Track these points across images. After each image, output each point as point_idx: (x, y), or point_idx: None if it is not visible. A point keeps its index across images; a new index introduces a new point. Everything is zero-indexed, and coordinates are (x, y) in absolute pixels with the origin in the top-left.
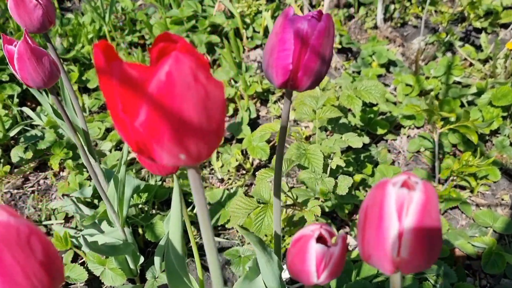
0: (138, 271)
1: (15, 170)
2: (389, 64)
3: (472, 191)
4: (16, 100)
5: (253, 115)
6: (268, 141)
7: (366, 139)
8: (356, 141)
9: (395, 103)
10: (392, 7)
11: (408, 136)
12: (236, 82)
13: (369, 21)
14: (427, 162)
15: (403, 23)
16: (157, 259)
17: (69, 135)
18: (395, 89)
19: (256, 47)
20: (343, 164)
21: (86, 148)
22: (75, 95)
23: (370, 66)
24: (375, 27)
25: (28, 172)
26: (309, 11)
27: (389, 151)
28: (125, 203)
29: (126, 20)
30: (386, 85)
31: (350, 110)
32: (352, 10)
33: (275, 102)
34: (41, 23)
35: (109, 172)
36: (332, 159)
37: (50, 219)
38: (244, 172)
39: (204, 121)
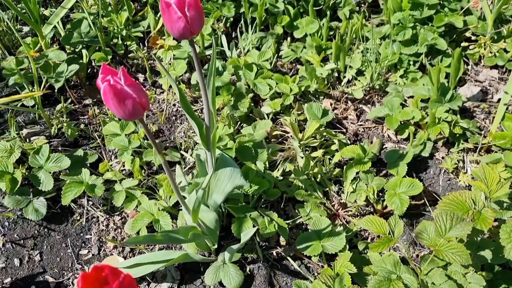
0: (214, 248)
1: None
2: None
3: None
4: (230, 20)
5: (426, 153)
6: (415, 197)
7: None
8: None
9: None
10: None
11: None
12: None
13: None
14: None
15: None
16: (227, 255)
17: (193, 126)
18: None
19: (495, 67)
20: None
21: (204, 141)
22: (206, 92)
23: None
24: None
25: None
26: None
27: None
28: (222, 195)
29: None
30: None
31: None
32: None
33: (461, 151)
34: (181, 34)
35: (226, 160)
36: None
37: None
38: (372, 209)
39: None
